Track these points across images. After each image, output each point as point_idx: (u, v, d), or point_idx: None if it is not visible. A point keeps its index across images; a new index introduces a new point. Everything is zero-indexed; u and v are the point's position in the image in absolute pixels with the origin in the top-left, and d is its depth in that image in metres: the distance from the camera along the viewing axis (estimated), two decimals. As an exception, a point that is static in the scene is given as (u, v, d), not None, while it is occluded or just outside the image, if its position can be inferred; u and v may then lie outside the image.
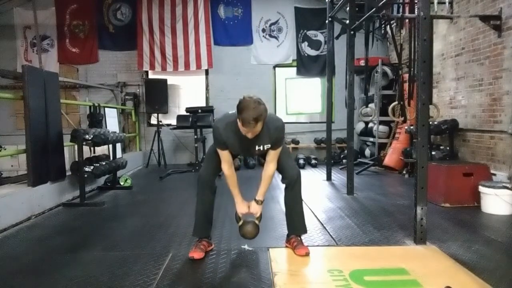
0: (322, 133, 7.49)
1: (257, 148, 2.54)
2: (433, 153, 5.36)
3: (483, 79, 4.91)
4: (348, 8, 4.83)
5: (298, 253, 2.62)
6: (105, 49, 8.15)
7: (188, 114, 7.17)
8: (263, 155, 2.66)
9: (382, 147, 6.91)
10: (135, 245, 2.95)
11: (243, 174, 5.26)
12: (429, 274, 2.29)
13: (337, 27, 5.74)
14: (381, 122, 6.88)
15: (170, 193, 5.06)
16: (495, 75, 4.68)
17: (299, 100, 8.39)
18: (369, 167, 6.59)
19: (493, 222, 3.48)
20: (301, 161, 7.37)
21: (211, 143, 2.77)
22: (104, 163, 4.87)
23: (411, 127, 5.64)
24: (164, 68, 7.98)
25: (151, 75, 8.26)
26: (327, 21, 5.64)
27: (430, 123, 5.11)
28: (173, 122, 7.56)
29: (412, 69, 4.63)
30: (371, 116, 6.97)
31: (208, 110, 7.42)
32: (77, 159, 4.52)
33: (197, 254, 2.59)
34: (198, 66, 7.99)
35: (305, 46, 8.18)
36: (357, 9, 4.74)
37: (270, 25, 8.15)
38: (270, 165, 2.63)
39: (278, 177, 2.79)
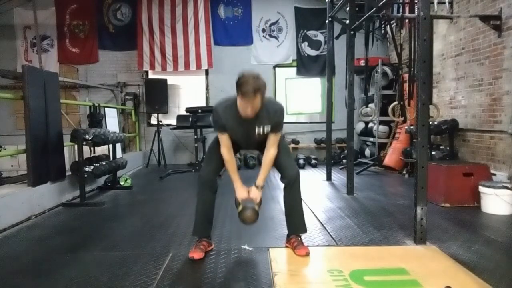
0: (322, 133, 7.49)
1: (257, 130, 2.52)
2: (433, 153, 5.36)
3: (483, 79, 4.91)
4: (348, 8, 4.83)
5: (298, 253, 2.61)
6: (105, 49, 8.15)
7: (188, 114, 7.16)
8: (263, 143, 2.61)
9: (382, 147, 6.91)
10: (135, 245, 2.95)
11: (243, 174, 5.22)
12: (429, 274, 2.29)
13: (337, 27, 5.74)
14: (381, 122, 6.88)
15: (170, 193, 5.06)
16: (495, 75, 4.68)
17: (299, 100, 8.39)
18: (369, 167, 6.59)
19: (493, 222, 3.48)
20: (301, 161, 7.37)
21: (211, 143, 2.78)
22: (104, 163, 4.87)
23: (411, 127, 5.64)
24: (164, 68, 7.98)
25: (151, 75, 8.26)
26: (327, 21, 5.63)
27: (430, 123, 5.11)
28: (173, 122, 7.56)
29: (412, 69, 4.63)
30: (371, 116, 6.97)
31: (208, 110, 7.38)
32: (77, 159, 4.52)
33: (197, 254, 2.59)
34: (198, 66, 7.99)
35: (305, 46, 8.18)
36: (357, 9, 4.73)
37: (270, 25, 8.15)
38: (271, 150, 2.60)
39: (278, 175, 2.78)
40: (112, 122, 6.42)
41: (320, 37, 8.12)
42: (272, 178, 5.53)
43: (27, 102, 3.88)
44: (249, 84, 2.29)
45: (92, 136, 4.45)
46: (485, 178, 4.02)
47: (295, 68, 8.21)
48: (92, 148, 4.84)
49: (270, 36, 8.15)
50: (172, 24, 7.94)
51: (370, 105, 7.10)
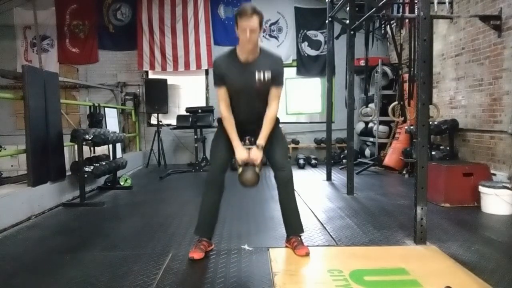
0: (322, 133, 7.48)
1: (257, 75, 2.49)
2: (433, 153, 5.36)
3: (483, 79, 4.91)
4: (348, 8, 4.83)
5: (298, 253, 2.61)
6: (105, 49, 8.14)
7: (188, 114, 7.17)
8: (265, 93, 2.56)
9: (382, 147, 6.91)
10: (135, 245, 2.95)
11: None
12: (429, 274, 2.29)
13: (337, 27, 5.74)
14: (381, 122, 6.88)
15: (170, 193, 5.06)
16: (495, 75, 4.68)
17: (299, 100, 8.38)
18: (369, 167, 6.59)
19: (493, 222, 3.48)
20: (301, 161, 7.38)
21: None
22: (104, 163, 4.88)
23: (411, 127, 5.64)
24: (164, 68, 7.98)
25: (151, 75, 8.26)
26: (327, 21, 5.63)
27: (430, 123, 5.11)
28: (173, 122, 7.56)
29: (412, 69, 4.63)
30: (371, 116, 6.97)
31: (208, 110, 7.41)
32: (77, 159, 4.52)
33: (197, 254, 2.59)
34: (198, 66, 7.99)
35: (305, 46, 8.18)
36: (357, 9, 4.73)
37: (270, 25, 8.15)
38: (272, 106, 2.59)
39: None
40: (112, 122, 6.42)
41: (320, 37, 8.12)
42: (272, 177, 5.52)
43: (27, 102, 3.88)
44: (247, 6, 2.40)
45: (92, 136, 4.45)
46: (485, 178, 4.02)
47: (295, 68, 8.21)
48: (92, 148, 4.84)
49: (270, 36, 8.14)
50: (172, 24, 7.94)
51: (370, 105, 7.10)
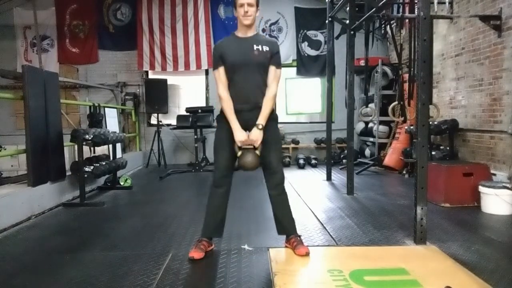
0: (322, 133, 7.48)
1: (255, 47, 2.53)
2: (433, 153, 5.36)
3: (483, 79, 4.91)
4: (348, 8, 4.83)
5: (298, 253, 2.61)
6: (105, 49, 8.14)
7: (188, 114, 7.16)
8: (263, 66, 2.57)
9: (382, 147, 6.91)
10: (135, 245, 2.95)
11: (243, 174, 5.25)
12: (429, 274, 2.29)
13: (337, 27, 5.74)
14: (381, 122, 6.88)
15: (170, 193, 5.06)
16: (495, 75, 4.68)
17: (299, 100, 8.38)
18: (369, 167, 6.59)
19: (493, 222, 3.48)
20: (301, 161, 7.37)
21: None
22: (104, 163, 4.88)
23: (411, 127, 5.64)
24: (164, 68, 7.98)
25: (151, 75, 8.26)
26: (327, 21, 5.63)
27: (430, 123, 5.11)
28: (173, 122, 7.56)
29: (412, 69, 4.63)
30: (371, 116, 6.97)
31: (208, 110, 7.41)
32: (77, 159, 4.52)
33: (197, 254, 2.59)
34: (198, 66, 7.99)
35: (305, 46, 8.18)
36: (357, 9, 4.73)
37: (270, 25, 8.15)
38: (272, 86, 2.60)
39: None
40: (112, 122, 6.42)
41: (320, 37, 8.12)
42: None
43: (27, 102, 3.88)
44: None
45: (92, 136, 4.45)
46: (485, 178, 4.02)
47: (295, 68, 8.21)
48: (92, 148, 4.84)
49: (270, 36, 8.13)
50: (172, 24, 7.94)
51: (370, 105, 7.10)
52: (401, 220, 3.49)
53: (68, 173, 4.55)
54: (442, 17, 5.41)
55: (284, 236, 2.79)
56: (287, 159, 7.54)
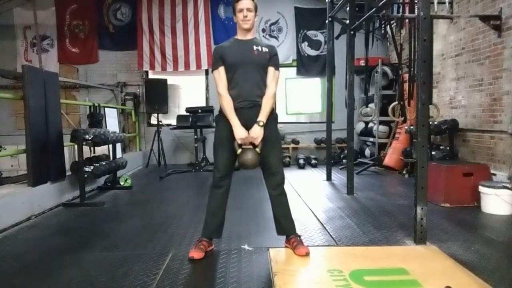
0: (322, 133, 7.48)
1: (255, 48, 2.60)
2: (433, 153, 5.36)
3: (483, 79, 4.91)
4: (348, 8, 4.83)
5: (298, 253, 2.61)
6: (105, 49, 8.14)
7: (188, 114, 7.17)
8: (262, 66, 2.60)
9: (382, 147, 6.91)
10: (135, 245, 2.95)
11: (243, 173, 5.25)
12: (429, 274, 2.29)
13: (337, 27, 5.74)
14: (381, 122, 6.88)
15: (170, 193, 5.06)
16: (495, 75, 4.68)
17: (299, 100, 8.38)
18: (369, 167, 6.59)
19: (493, 222, 3.48)
20: (301, 161, 7.37)
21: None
22: (104, 163, 4.87)
23: (411, 127, 5.64)
24: (164, 68, 7.98)
25: (151, 75, 8.26)
26: (327, 21, 5.63)
27: (430, 123, 5.11)
28: (173, 122, 7.56)
29: (412, 69, 4.63)
30: (371, 116, 6.97)
31: (208, 110, 7.41)
32: (77, 159, 4.52)
33: (197, 254, 2.59)
34: (198, 66, 7.99)
35: (305, 46, 8.18)
36: (357, 9, 4.73)
37: (270, 25, 8.15)
38: (271, 86, 2.63)
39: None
40: (112, 122, 6.42)
41: (320, 37, 8.12)
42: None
43: (27, 102, 3.88)
44: None
45: (92, 136, 4.45)
46: (485, 178, 4.02)
47: (295, 68, 8.21)
48: (92, 148, 4.84)
49: (270, 36, 8.14)
50: (172, 24, 7.94)
51: (370, 105, 7.10)
52: (401, 220, 3.49)
53: (68, 173, 4.55)
54: (442, 17, 5.41)
55: (284, 236, 2.79)
56: (287, 159, 7.54)
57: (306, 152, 8.05)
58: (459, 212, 3.77)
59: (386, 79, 6.94)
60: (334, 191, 5.03)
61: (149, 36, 7.94)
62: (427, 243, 2.82)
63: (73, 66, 8.16)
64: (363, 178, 5.95)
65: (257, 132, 2.51)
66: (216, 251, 2.75)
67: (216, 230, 2.75)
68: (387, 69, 6.94)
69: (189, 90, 8.41)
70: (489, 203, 3.75)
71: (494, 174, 4.46)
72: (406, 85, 4.95)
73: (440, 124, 5.34)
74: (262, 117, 2.54)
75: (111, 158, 5.32)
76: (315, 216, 3.74)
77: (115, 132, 5.45)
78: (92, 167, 4.57)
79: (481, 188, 3.82)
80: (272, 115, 2.65)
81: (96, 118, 5.20)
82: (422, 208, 2.80)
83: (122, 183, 5.38)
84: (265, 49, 2.63)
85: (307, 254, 2.60)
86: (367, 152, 7.41)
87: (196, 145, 7.03)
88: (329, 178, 5.78)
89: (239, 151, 2.51)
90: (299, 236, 2.75)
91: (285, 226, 2.75)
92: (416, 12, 3.34)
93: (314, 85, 8.39)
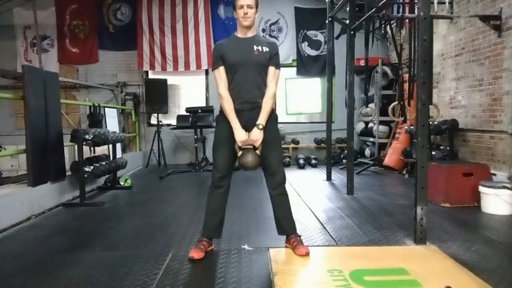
0: (322, 133, 7.48)
1: (255, 47, 2.56)
2: (433, 153, 5.36)
3: (483, 79, 4.91)
4: (348, 8, 4.83)
5: (298, 253, 2.61)
6: (105, 49, 8.15)
7: (188, 114, 7.17)
8: (263, 66, 2.58)
9: (382, 147, 6.91)
10: (135, 245, 2.95)
11: (243, 174, 5.25)
12: (429, 274, 2.29)
13: (337, 27, 5.74)
14: (381, 122, 6.88)
15: (170, 193, 5.06)
16: (495, 75, 4.68)
17: (299, 100, 8.38)
18: (369, 167, 6.59)
19: (493, 222, 3.48)
20: (301, 161, 7.37)
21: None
22: (104, 163, 4.87)
23: (411, 127, 5.64)
24: (164, 68, 7.99)
25: (151, 75, 8.26)
26: (327, 21, 5.63)
27: (430, 123, 5.11)
28: (173, 122, 7.56)
29: (412, 69, 4.63)
30: (371, 116, 6.97)
31: (208, 110, 7.41)
32: (77, 159, 4.52)
33: (196, 254, 2.59)
34: (198, 66, 7.99)
35: (305, 46, 8.18)
36: (357, 9, 4.73)
37: (270, 25, 8.15)
38: (271, 86, 2.61)
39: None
40: (112, 122, 6.42)
41: (320, 37, 8.12)
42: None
43: (27, 102, 3.88)
44: None
45: (92, 136, 4.45)
46: (485, 178, 4.02)
47: (295, 68, 8.21)
48: (92, 148, 4.84)
49: (270, 36, 8.13)
50: (172, 24, 7.94)
51: (370, 105, 7.10)
52: (401, 220, 3.49)
53: (68, 173, 4.55)
54: (442, 17, 5.41)
55: (284, 236, 2.79)
56: (287, 159, 7.54)
57: (306, 152, 8.05)
58: (459, 212, 3.77)
59: (386, 79, 6.94)
60: (334, 191, 5.03)
61: (149, 36, 7.94)
62: (427, 243, 2.82)
63: (73, 66, 8.16)
64: (363, 178, 5.95)
65: (256, 135, 2.52)
66: (216, 251, 2.75)
67: (215, 230, 2.75)
68: (387, 69, 6.94)
69: (189, 90, 8.41)
70: (489, 203, 3.75)
71: (494, 174, 4.46)
72: (406, 85, 4.95)
73: (440, 124, 5.35)
74: (262, 119, 2.55)
75: (111, 158, 5.32)
76: (315, 216, 3.74)
77: (115, 132, 5.45)
78: (92, 167, 4.57)
79: (481, 188, 3.82)
80: (272, 115, 2.65)
81: (96, 118, 5.20)
82: (422, 208, 2.80)
83: (122, 183, 5.38)
84: (265, 49, 2.59)
85: (307, 254, 2.60)
86: (367, 152, 7.41)
87: (196, 145, 7.03)
88: (329, 178, 5.78)
89: (239, 153, 2.53)
90: (299, 236, 2.75)
91: (285, 226, 2.74)
92: (416, 12, 3.34)
93: (314, 85, 8.39)
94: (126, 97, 8.06)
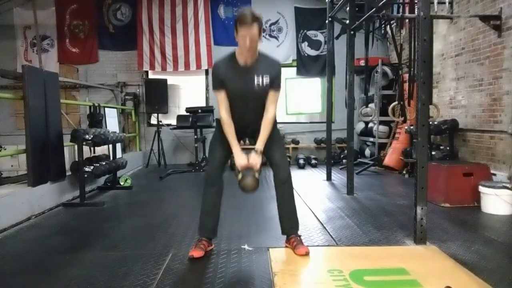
0: (322, 133, 7.48)
1: (256, 80, 2.50)
2: (433, 153, 5.36)
3: (483, 79, 4.91)
4: (348, 8, 4.83)
5: (298, 253, 2.61)
6: (105, 49, 8.15)
7: (188, 114, 7.17)
8: (263, 96, 2.56)
9: (382, 147, 6.91)
10: (135, 245, 2.95)
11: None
12: (429, 274, 2.29)
13: (337, 27, 5.74)
14: (381, 122, 6.88)
15: (170, 193, 5.06)
16: (495, 75, 4.68)
17: (299, 100, 8.38)
18: (369, 167, 6.59)
19: (493, 222, 3.48)
20: (301, 161, 7.37)
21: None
22: (104, 163, 4.87)
23: (411, 127, 5.64)
24: (164, 68, 7.98)
25: (151, 75, 8.26)
26: (327, 21, 5.63)
27: (430, 123, 5.11)
28: (173, 122, 7.56)
29: (412, 69, 4.63)
30: (371, 116, 6.97)
31: (208, 110, 7.42)
32: (77, 159, 4.52)
33: (196, 253, 2.59)
34: (198, 66, 7.99)
35: (305, 46, 8.18)
36: (357, 9, 4.73)
37: (270, 25, 8.15)
38: (270, 109, 2.59)
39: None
40: (112, 122, 6.42)
41: (320, 37, 8.12)
42: (272, 177, 5.52)
43: (27, 102, 3.88)
44: (247, 13, 2.36)
45: (92, 136, 4.45)
46: (485, 178, 4.02)
47: (295, 68, 8.21)
48: (92, 148, 4.84)
49: (270, 36, 8.14)
50: (172, 24, 7.94)
51: (370, 105, 7.10)
52: (401, 220, 3.49)
53: (68, 173, 4.55)
54: (442, 17, 5.41)
55: (285, 236, 2.79)
56: (287, 159, 7.53)
57: (306, 152, 8.05)
58: (459, 212, 3.77)
59: (386, 79, 6.94)
60: (334, 191, 5.03)
61: (149, 36, 7.94)
62: (427, 243, 2.82)
63: (73, 66, 8.16)
64: (363, 178, 5.95)
65: (255, 160, 2.56)
66: (216, 251, 2.75)
67: (212, 229, 2.75)
68: (387, 69, 6.94)
69: (189, 90, 8.41)
70: (489, 203, 3.75)
71: (494, 174, 4.46)
72: (406, 85, 4.96)
73: (440, 124, 5.35)
74: (260, 144, 2.58)
75: (111, 158, 5.32)
76: (315, 216, 3.74)
77: (115, 132, 5.45)
78: (92, 167, 4.57)
79: (481, 188, 3.82)
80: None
81: (96, 118, 5.20)
82: (422, 208, 2.80)
83: (122, 183, 5.38)
84: (266, 80, 2.51)
85: (307, 254, 2.60)
86: (367, 152, 7.41)
87: (196, 145, 7.03)
88: (329, 178, 5.78)
89: (239, 176, 2.57)
90: (299, 236, 2.75)
91: (286, 225, 2.75)
92: (416, 12, 3.34)
93: (314, 85, 8.39)
94: (126, 97, 8.06)
